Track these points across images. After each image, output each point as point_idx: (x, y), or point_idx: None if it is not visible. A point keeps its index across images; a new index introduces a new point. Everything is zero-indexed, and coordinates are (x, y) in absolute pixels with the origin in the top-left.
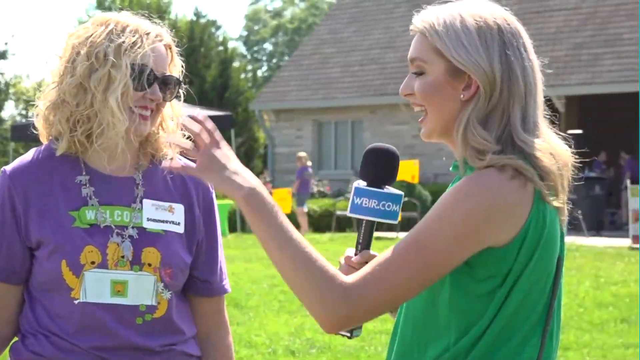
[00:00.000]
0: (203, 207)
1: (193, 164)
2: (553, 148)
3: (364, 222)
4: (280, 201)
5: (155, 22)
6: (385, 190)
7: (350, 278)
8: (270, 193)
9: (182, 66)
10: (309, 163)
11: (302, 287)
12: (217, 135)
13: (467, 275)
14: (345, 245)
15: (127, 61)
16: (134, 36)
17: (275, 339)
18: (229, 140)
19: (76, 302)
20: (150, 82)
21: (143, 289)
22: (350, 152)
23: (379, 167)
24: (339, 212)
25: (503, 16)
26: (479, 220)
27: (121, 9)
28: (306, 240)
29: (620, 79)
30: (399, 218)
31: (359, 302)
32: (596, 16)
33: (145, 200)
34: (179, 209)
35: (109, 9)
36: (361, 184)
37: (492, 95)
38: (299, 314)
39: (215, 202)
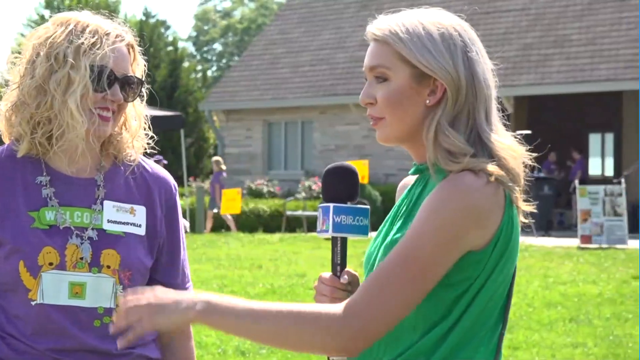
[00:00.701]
0: (166, 209)
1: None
2: (514, 149)
3: (339, 240)
4: (230, 202)
5: (117, 22)
6: (358, 205)
7: (345, 305)
8: (220, 194)
9: (145, 65)
10: (224, 167)
11: (302, 340)
12: (136, 293)
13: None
14: (294, 245)
15: (86, 62)
16: (93, 37)
17: (225, 340)
18: (178, 141)
19: (33, 303)
20: (110, 83)
21: (101, 291)
22: (300, 153)
23: (343, 184)
24: (289, 212)
25: (460, 23)
26: (463, 223)
27: (70, 8)
28: (269, 303)
29: (569, 80)
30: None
31: (361, 328)
32: (544, 17)
33: (106, 202)
34: (141, 210)
35: (58, 8)
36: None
37: (458, 98)
38: None
39: (179, 204)
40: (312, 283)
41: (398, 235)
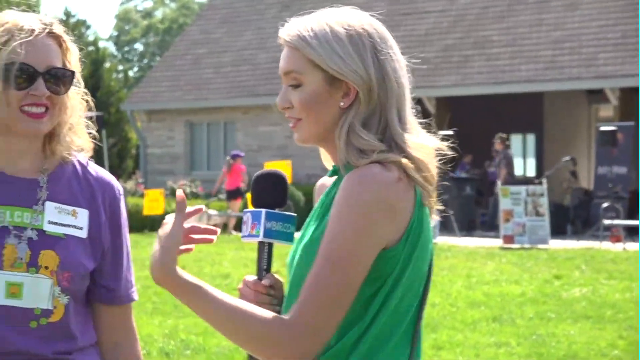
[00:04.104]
0: (110, 213)
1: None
2: (425, 145)
3: (267, 246)
4: (153, 202)
5: (42, 15)
6: (287, 212)
7: (289, 315)
8: (143, 194)
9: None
10: None
11: (252, 340)
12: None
13: None
14: (218, 246)
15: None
16: (6, 35)
17: (149, 341)
18: (100, 141)
19: None
20: (30, 77)
21: (39, 292)
22: (223, 153)
23: (276, 191)
24: (210, 212)
25: (369, 22)
26: (372, 213)
27: None
28: (230, 297)
29: (490, 81)
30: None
31: (306, 335)
32: (465, 18)
33: (48, 203)
34: (83, 213)
35: None
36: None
37: (370, 99)
38: (173, 315)
39: (123, 208)
40: (236, 284)
41: (315, 233)
